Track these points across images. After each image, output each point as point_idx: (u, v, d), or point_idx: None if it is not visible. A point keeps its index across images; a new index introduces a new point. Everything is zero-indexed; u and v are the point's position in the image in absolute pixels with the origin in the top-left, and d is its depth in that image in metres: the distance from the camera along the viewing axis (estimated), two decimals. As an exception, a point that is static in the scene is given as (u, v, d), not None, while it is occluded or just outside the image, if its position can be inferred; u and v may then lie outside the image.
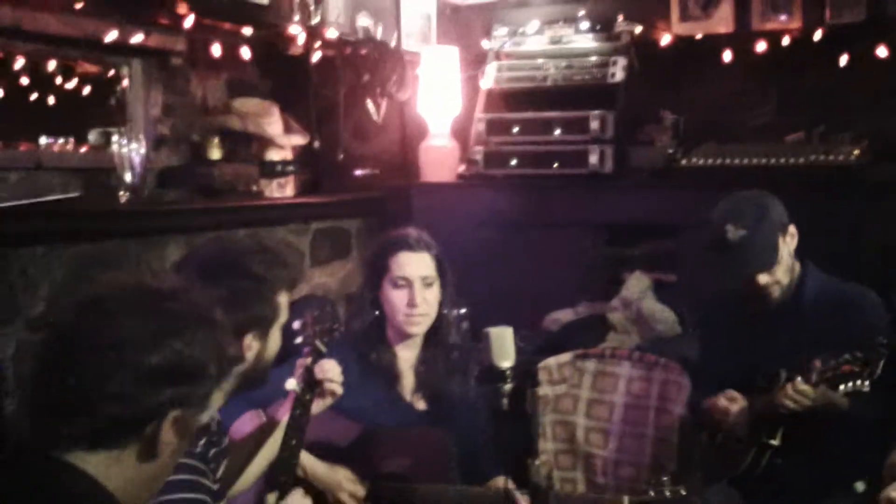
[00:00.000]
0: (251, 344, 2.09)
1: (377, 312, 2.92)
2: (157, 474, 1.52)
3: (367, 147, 4.40)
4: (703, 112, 4.27)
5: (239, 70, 3.87)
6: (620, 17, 4.30)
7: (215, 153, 3.91)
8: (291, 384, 2.38)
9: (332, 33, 3.83)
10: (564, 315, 4.02)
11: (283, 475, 2.26)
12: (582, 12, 4.37)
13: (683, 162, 3.97)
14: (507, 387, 2.41)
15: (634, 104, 4.20)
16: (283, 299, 2.18)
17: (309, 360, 2.42)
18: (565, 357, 3.65)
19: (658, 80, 4.27)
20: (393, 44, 4.25)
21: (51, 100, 3.39)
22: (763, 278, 2.80)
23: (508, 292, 4.03)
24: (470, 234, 4.17)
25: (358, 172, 4.39)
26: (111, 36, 3.22)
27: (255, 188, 3.79)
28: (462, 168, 4.29)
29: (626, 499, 2.49)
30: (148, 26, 3.33)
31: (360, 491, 2.61)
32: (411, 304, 2.87)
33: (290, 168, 4.07)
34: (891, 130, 3.97)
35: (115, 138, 3.23)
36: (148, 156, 3.49)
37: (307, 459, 2.59)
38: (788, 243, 2.86)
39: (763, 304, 2.92)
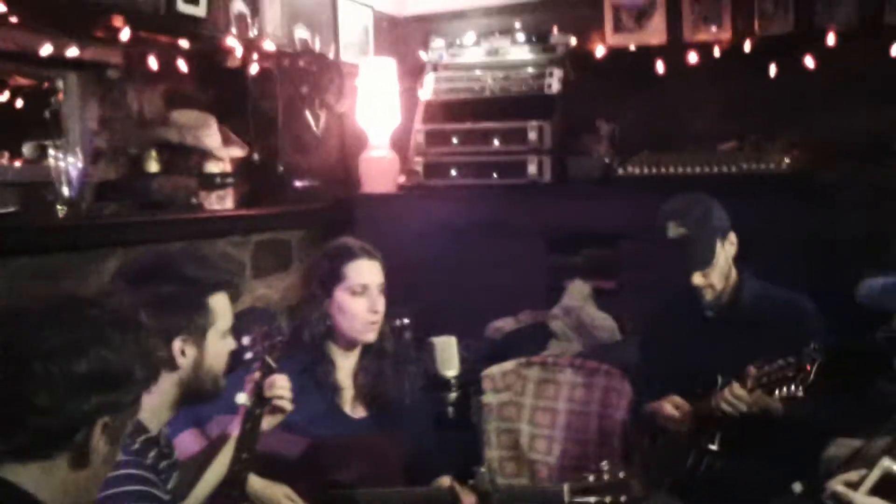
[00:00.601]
0: (184, 349, 2.07)
1: (328, 323, 2.91)
2: (90, 482, 1.52)
3: (308, 159, 4.40)
4: (638, 122, 4.35)
5: (177, 82, 3.84)
6: (555, 29, 4.35)
7: (153, 166, 3.88)
8: (242, 398, 2.36)
9: (269, 45, 3.82)
10: (506, 323, 4.06)
11: (234, 490, 2.25)
12: (518, 24, 4.41)
13: (620, 171, 4.03)
14: (453, 395, 2.43)
15: (571, 115, 4.26)
16: (219, 304, 2.15)
17: (258, 374, 2.41)
18: (508, 365, 3.68)
19: (594, 90, 4.33)
20: (331, 55, 4.24)
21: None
22: (697, 279, 2.86)
23: (451, 301, 4.05)
24: (412, 244, 4.19)
25: (298, 184, 4.38)
26: (46, 50, 3.18)
27: (194, 200, 3.76)
28: (403, 179, 4.30)
29: (565, 486, 2.53)
30: (83, 40, 3.29)
31: (298, 501, 2.60)
32: (373, 310, 2.88)
33: (229, 180, 4.05)
34: (820, 137, 4.08)
35: (51, 152, 3.20)
36: (86, 169, 3.47)
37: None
38: (727, 249, 2.92)
39: (699, 310, 2.98)
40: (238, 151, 4.16)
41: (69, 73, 3.45)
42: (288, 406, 2.44)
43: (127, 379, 1.49)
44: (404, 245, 4.18)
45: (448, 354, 2.48)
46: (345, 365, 2.95)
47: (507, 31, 4.42)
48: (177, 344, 2.06)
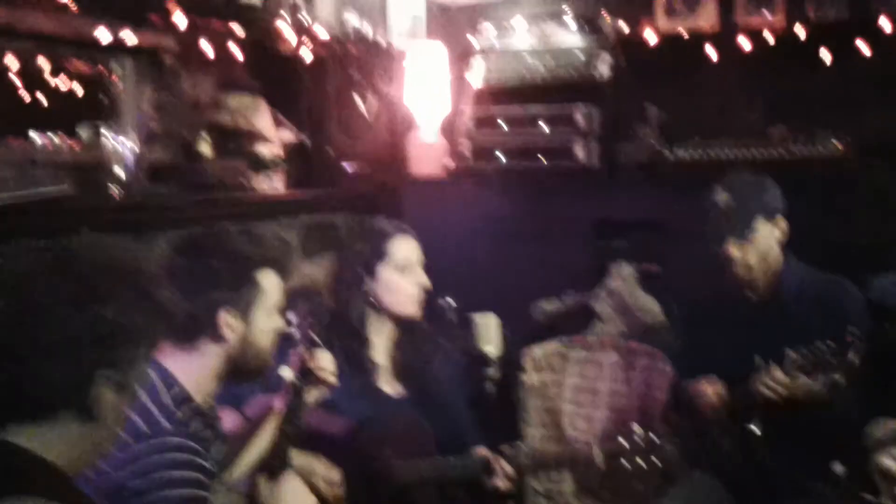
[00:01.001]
0: (230, 322, 2.12)
1: (370, 301, 2.96)
2: (100, 439, 1.52)
3: (358, 143, 4.45)
4: (689, 108, 4.32)
5: (231, 68, 3.91)
6: (604, 14, 4.34)
7: (205, 149, 3.98)
8: (287, 373, 2.43)
9: (321, 32, 3.87)
10: (551, 305, 4.08)
11: (276, 461, 2.31)
12: (567, 9, 4.41)
13: (668, 156, 4.03)
14: (493, 371, 2.46)
15: (620, 100, 4.25)
16: (268, 281, 2.21)
17: (303, 349, 2.46)
18: (551, 345, 3.72)
19: (644, 76, 4.31)
20: (381, 41, 4.29)
21: (44, 98, 3.44)
22: (733, 250, 2.85)
23: (497, 282, 4.10)
24: (459, 226, 4.25)
25: (348, 168, 4.44)
26: (104, 36, 3.27)
27: (244, 182, 3.84)
28: (450, 162, 4.34)
29: (596, 449, 2.57)
30: (140, 26, 3.37)
31: (335, 475, 2.66)
32: (420, 284, 2.94)
33: (280, 162, 4.13)
34: (873, 127, 4.02)
35: (106, 134, 3.28)
36: (140, 152, 3.56)
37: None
38: (772, 231, 2.90)
39: (742, 294, 2.97)
40: (289, 135, 4.23)
41: (125, 58, 3.54)
42: (333, 380, 2.50)
43: (128, 335, 1.49)
44: (452, 227, 4.25)
45: (488, 331, 2.52)
46: (382, 343, 3.00)
47: (557, 16, 4.42)
48: (223, 316, 2.11)
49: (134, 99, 3.59)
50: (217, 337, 2.12)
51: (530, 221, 4.13)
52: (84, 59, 3.50)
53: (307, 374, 2.44)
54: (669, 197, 3.86)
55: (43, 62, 3.40)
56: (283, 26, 3.73)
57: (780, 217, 2.90)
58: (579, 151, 4.02)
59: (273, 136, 4.11)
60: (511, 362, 3.60)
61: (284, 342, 2.48)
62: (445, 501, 2.72)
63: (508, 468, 2.70)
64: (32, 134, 3.38)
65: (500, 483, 2.70)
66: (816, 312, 2.83)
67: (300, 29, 3.81)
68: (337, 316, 3.03)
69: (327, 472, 2.68)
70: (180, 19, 3.34)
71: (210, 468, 1.99)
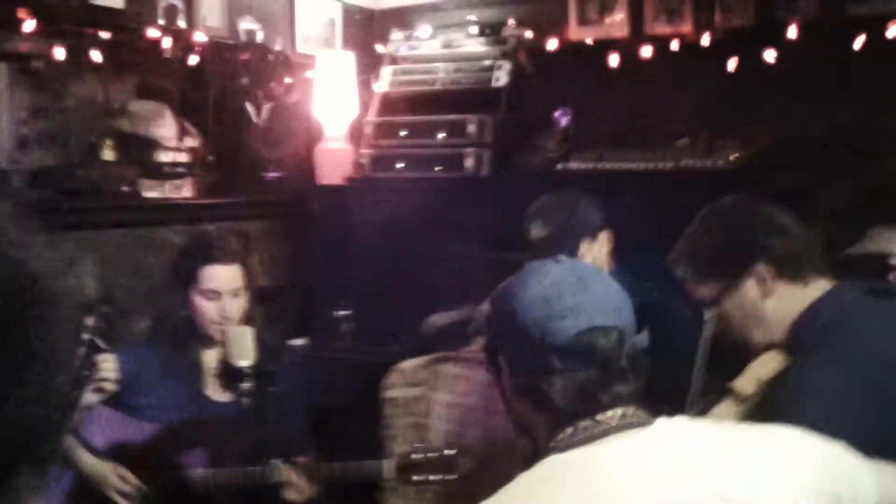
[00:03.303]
0: None
1: (187, 314, 2.93)
2: None
3: (266, 151, 4.43)
4: (596, 117, 4.23)
5: (116, 73, 3.91)
6: (510, 21, 4.27)
7: (108, 154, 3.99)
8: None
9: (200, 37, 3.85)
10: (441, 319, 4.00)
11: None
12: (474, 17, 4.35)
13: (559, 166, 3.94)
14: (247, 385, 2.42)
15: (525, 109, 4.17)
16: None
17: (82, 351, 2.43)
18: (422, 360, 3.63)
19: (550, 84, 4.24)
20: (283, 47, 4.27)
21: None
22: None
23: (394, 294, 4.04)
24: (358, 236, 4.20)
25: (259, 176, 4.42)
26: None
27: (126, 189, 3.82)
28: (351, 170, 4.30)
29: (385, 462, 2.53)
30: (9, 32, 3.38)
31: (130, 477, 2.63)
32: (222, 314, 2.88)
33: (180, 170, 4.12)
34: (781, 134, 3.90)
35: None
36: (10, 157, 3.58)
37: (79, 454, 2.63)
38: (594, 249, 2.82)
39: None
40: (192, 142, 4.22)
41: (-5, 63, 3.56)
42: (110, 387, 2.48)
43: None
44: (352, 237, 4.21)
45: (243, 343, 2.48)
46: (211, 353, 2.97)
47: (464, 26, 4.36)
48: None
49: (7, 104, 3.59)
50: None
51: (429, 232, 4.06)
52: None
53: (83, 377, 2.41)
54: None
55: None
56: (153, 32, 3.70)
57: (604, 231, 2.82)
58: (469, 160, 3.94)
59: (174, 142, 4.11)
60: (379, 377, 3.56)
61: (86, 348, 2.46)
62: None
63: (302, 481, 2.65)
64: None
65: (295, 496, 2.66)
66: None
67: (176, 34, 3.78)
68: (161, 324, 3.02)
69: (119, 474, 2.66)
70: (29, 25, 3.31)
71: None
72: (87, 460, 2.63)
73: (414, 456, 2.51)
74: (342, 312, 4.10)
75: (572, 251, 2.76)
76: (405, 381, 3.63)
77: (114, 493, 2.64)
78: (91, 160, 3.92)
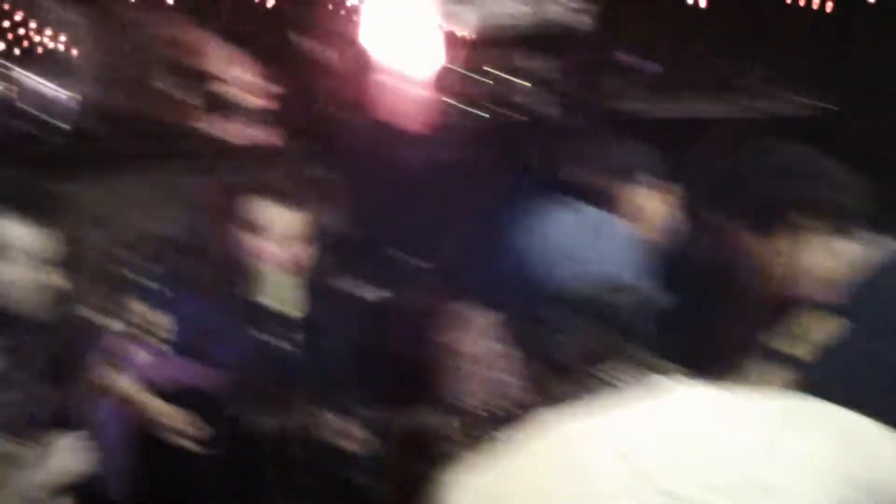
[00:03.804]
0: None
1: (237, 254, 2.92)
2: None
3: (339, 93, 4.40)
4: (676, 61, 4.08)
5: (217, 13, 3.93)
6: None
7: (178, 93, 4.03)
8: (114, 324, 2.44)
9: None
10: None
11: (73, 414, 2.32)
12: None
13: (633, 110, 3.82)
14: (290, 333, 2.40)
15: (598, 50, 4.04)
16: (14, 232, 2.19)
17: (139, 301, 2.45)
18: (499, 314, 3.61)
19: (630, 26, 4.09)
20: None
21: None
22: None
23: (472, 244, 4.00)
24: (432, 182, 4.15)
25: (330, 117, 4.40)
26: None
27: (202, 128, 3.86)
28: (427, 116, 4.24)
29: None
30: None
31: (185, 426, 2.68)
32: (272, 255, 2.84)
33: (250, 110, 4.14)
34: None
35: (41, 81, 3.36)
36: (88, 96, 3.65)
37: (140, 394, 2.68)
38: (644, 198, 2.70)
39: None
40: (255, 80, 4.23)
41: (74, 5, 3.62)
42: (163, 349, 2.48)
43: None
44: (422, 184, 4.16)
45: (281, 291, 2.48)
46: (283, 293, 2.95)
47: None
48: None
49: (86, 47, 3.65)
50: None
51: (500, 178, 3.99)
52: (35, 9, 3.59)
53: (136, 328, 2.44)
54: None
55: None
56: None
57: (654, 181, 2.69)
58: (546, 106, 3.85)
59: (244, 83, 4.12)
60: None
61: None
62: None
63: (354, 431, 2.65)
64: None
65: (347, 445, 2.66)
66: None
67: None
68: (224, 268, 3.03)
69: (180, 420, 2.70)
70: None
71: None
72: (148, 401, 2.67)
73: (476, 411, 2.46)
74: (419, 262, 4.07)
75: (605, 196, 2.62)
76: (477, 333, 3.60)
77: (172, 433, 2.68)
78: (161, 99, 3.95)
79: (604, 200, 2.70)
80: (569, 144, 3.80)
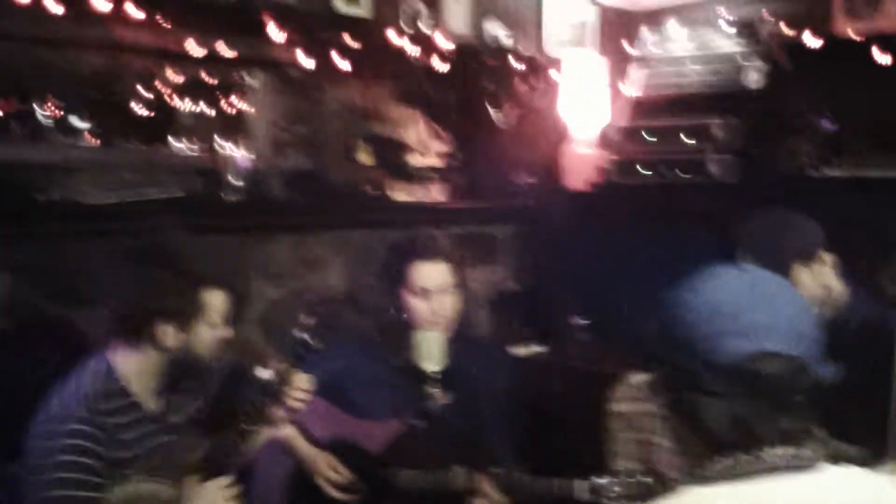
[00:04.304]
0: (168, 332, 2.27)
1: (403, 315, 2.96)
2: None
3: (515, 154, 4.45)
4: (860, 119, 3.89)
5: (370, 79, 4.07)
6: (767, 17, 4.02)
7: (362, 157, 4.18)
8: (263, 373, 2.52)
9: (444, 42, 3.92)
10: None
11: (223, 457, 2.42)
12: (727, 14, 4.13)
13: (814, 173, 3.66)
14: (434, 390, 2.42)
15: (778, 110, 3.91)
16: (213, 298, 2.33)
17: (286, 365, 2.52)
18: (648, 375, 3.50)
19: (809, 83, 3.94)
20: (526, 51, 4.27)
21: (183, 108, 3.80)
22: None
23: (633, 303, 3.93)
24: (604, 241, 4.13)
25: (506, 179, 4.45)
26: (231, 52, 3.53)
27: (371, 190, 3.97)
28: (596, 174, 4.22)
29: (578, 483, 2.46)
30: (263, 41, 3.59)
31: (340, 468, 2.72)
32: (434, 312, 2.88)
33: (428, 173, 4.23)
34: None
35: (220, 142, 3.56)
36: (268, 160, 3.82)
37: (299, 441, 2.75)
38: (814, 270, 2.59)
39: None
40: (442, 146, 4.32)
41: (256, 72, 3.81)
42: (299, 406, 2.53)
43: None
44: (595, 244, 4.14)
45: (431, 348, 2.47)
46: (430, 350, 2.98)
47: (715, 21, 4.15)
48: (163, 327, 2.27)
49: (263, 109, 3.83)
50: (156, 342, 2.27)
51: (667, 239, 3.91)
52: (219, 75, 3.80)
53: (282, 380, 2.50)
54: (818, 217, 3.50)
55: (186, 77, 3.76)
56: (395, 37, 3.80)
57: (818, 252, 2.58)
58: (712, 165, 3.75)
59: (422, 146, 4.23)
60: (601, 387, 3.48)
61: (298, 346, 2.59)
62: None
63: (491, 492, 2.63)
64: (172, 141, 3.74)
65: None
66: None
67: (421, 40, 3.87)
68: (385, 324, 3.08)
69: (330, 469, 2.76)
70: (279, 36, 3.50)
71: (107, 457, 2.15)
72: (304, 448, 2.75)
73: (609, 481, 2.41)
74: (579, 320, 4.04)
75: (774, 260, 2.53)
76: (633, 394, 3.52)
77: (324, 482, 2.74)
78: (344, 163, 4.12)
79: (772, 264, 2.62)
80: (740, 205, 3.72)
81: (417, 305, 2.88)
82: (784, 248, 2.56)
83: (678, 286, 1.57)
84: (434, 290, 2.87)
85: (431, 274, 2.89)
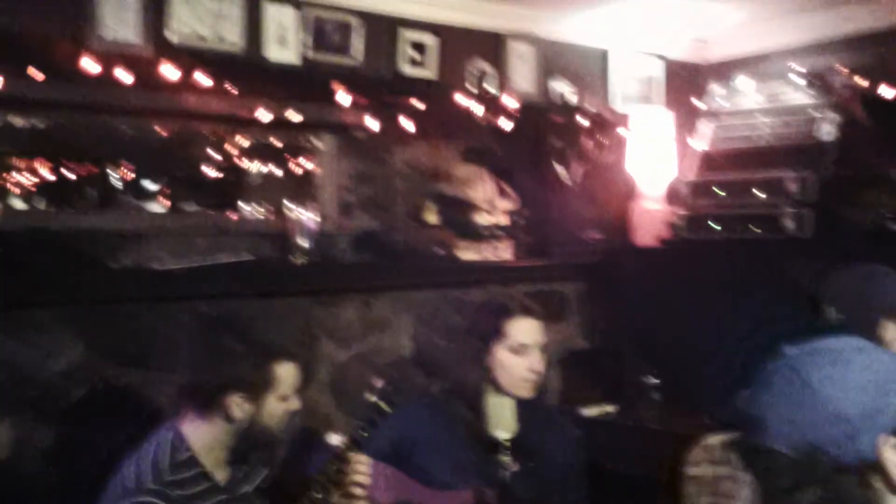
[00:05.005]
0: (240, 404, 2.26)
1: (487, 376, 2.93)
2: None
3: (583, 211, 4.40)
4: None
5: (466, 138, 4.08)
6: (840, 70, 3.94)
7: (429, 217, 4.17)
8: (335, 439, 2.49)
9: (510, 101, 3.91)
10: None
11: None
12: (799, 67, 4.06)
13: (894, 226, 3.56)
14: (506, 458, 2.36)
15: (853, 163, 3.82)
16: (283, 371, 2.32)
17: (345, 446, 2.47)
18: (732, 435, 3.40)
19: (885, 135, 3.85)
20: (593, 107, 4.24)
21: (251, 172, 3.83)
22: None
23: (707, 361, 3.83)
24: (674, 298, 4.05)
25: (575, 236, 4.40)
26: (299, 117, 3.56)
27: (439, 251, 3.94)
28: (665, 230, 4.16)
29: None
30: (332, 106, 3.62)
31: None
32: (531, 369, 2.86)
33: (495, 231, 4.20)
34: None
35: (288, 205, 3.57)
36: (335, 221, 3.83)
37: None
38: None
39: None
40: (508, 204, 4.29)
41: (323, 134, 3.83)
42: (360, 492, 2.49)
43: None
44: (665, 301, 4.06)
45: (502, 414, 2.42)
46: (501, 417, 2.94)
47: (786, 74, 4.08)
48: (233, 399, 2.26)
49: (330, 172, 3.85)
50: (227, 413, 2.26)
51: (741, 298, 3.82)
52: (287, 138, 3.83)
53: (356, 443, 2.46)
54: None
55: (255, 142, 3.80)
56: (461, 98, 3.81)
57: None
58: (788, 220, 3.66)
59: (488, 204, 4.20)
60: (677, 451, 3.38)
61: (368, 410, 2.55)
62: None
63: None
64: (241, 205, 3.77)
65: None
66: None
67: (487, 100, 3.87)
68: (456, 387, 3.03)
69: None
70: (345, 100, 3.53)
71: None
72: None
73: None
74: (650, 379, 3.95)
75: (870, 335, 2.45)
76: (711, 457, 3.41)
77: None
78: (411, 223, 4.11)
79: (861, 321, 2.53)
80: (817, 260, 3.62)
81: (511, 362, 2.85)
82: (871, 305, 2.47)
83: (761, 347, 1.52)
84: (531, 346, 2.86)
85: (530, 329, 2.88)
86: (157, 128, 3.54)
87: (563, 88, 4.18)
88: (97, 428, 2.94)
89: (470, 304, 4.03)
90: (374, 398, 2.52)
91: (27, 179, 3.33)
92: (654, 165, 4.28)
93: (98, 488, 2.27)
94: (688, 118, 4.36)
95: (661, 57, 4.64)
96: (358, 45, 3.67)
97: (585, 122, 4.14)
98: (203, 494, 2.26)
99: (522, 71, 4.07)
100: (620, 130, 4.32)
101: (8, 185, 3.28)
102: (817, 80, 3.96)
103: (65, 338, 3.00)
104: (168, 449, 2.24)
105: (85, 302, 3.02)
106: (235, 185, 3.80)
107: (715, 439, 3.44)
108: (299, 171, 3.88)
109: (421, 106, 3.71)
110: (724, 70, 4.58)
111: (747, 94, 4.18)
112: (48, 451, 2.95)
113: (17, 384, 2.92)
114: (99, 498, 2.24)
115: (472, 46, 4.02)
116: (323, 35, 3.63)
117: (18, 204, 3.28)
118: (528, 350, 2.86)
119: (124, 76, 3.07)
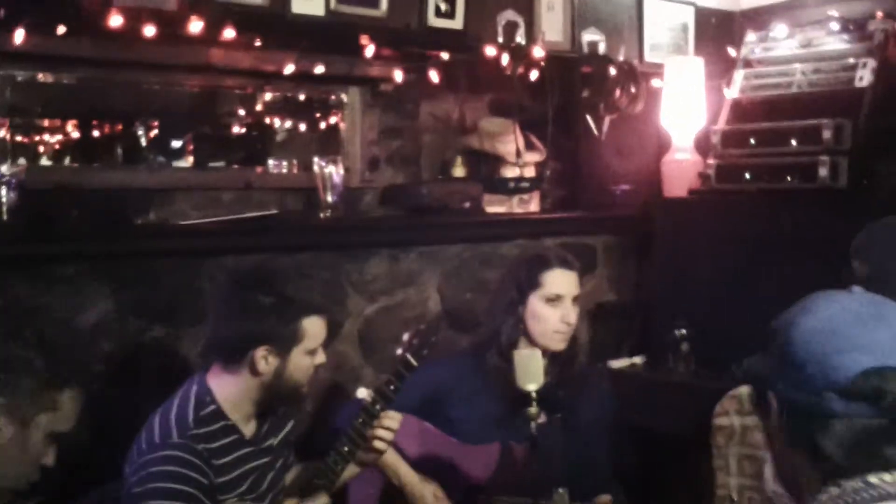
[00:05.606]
0: (267, 357, 2.26)
1: (521, 328, 2.93)
2: None
3: (613, 163, 4.35)
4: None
5: (462, 91, 4.04)
6: (878, 14, 3.84)
7: (458, 171, 4.14)
8: (363, 393, 2.50)
9: (538, 52, 3.85)
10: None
11: (322, 479, 2.39)
12: (835, 13, 3.96)
13: (931, 176, 3.47)
14: (534, 410, 2.35)
15: (891, 110, 3.73)
16: (312, 326, 2.31)
17: (372, 399, 2.47)
18: (759, 388, 3.37)
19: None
20: (624, 58, 4.16)
21: (277, 127, 3.81)
22: None
23: (732, 316, 3.79)
24: (701, 252, 4.00)
25: (606, 190, 4.36)
26: (325, 70, 3.52)
27: (467, 205, 3.90)
28: (695, 183, 4.09)
29: None
30: (358, 59, 3.57)
31: (444, 500, 2.67)
32: (565, 320, 2.89)
33: (524, 185, 4.16)
34: None
35: (315, 160, 3.54)
36: (362, 176, 3.80)
37: (401, 467, 2.70)
38: None
39: None
40: (535, 157, 4.24)
41: (350, 88, 3.80)
42: (382, 447, 2.49)
43: None
44: (694, 253, 4.02)
45: (530, 367, 2.41)
46: (531, 370, 2.92)
47: (824, 21, 3.98)
48: (259, 352, 2.26)
49: (357, 126, 3.82)
50: (254, 367, 2.26)
51: (773, 251, 3.76)
52: (313, 92, 3.80)
53: (386, 396, 2.46)
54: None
55: (280, 96, 3.77)
56: (491, 49, 3.74)
57: None
58: (823, 170, 3.59)
59: (516, 158, 4.16)
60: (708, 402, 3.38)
61: (397, 363, 2.55)
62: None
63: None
64: (268, 160, 3.75)
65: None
66: None
67: (514, 50, 3.81)
68: (486, 340, 3.03)
69: (438, 500, 2.71)
70: (370, 51, 3.48)
71: (208, 484, 2.13)
72: (406, 474, 2.70)
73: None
74: (680, 332, 3.91)
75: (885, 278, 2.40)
76: (739, 407, 3.40)
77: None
78: (440, 177, 4.08)
79: (889, 276, 2.47)
80: (852, 212, 3.55)
81: (545, 313, 2.87)
82: None
83: (790, 307, 1.50)
84: (566, 297, 2.87)
85: (566, 281, 2.91)
86: (183, 83, 3.52)
87: (594, 38, 4.11)
88: (126, 383, 2.96)
89: (498, 258, 4.02)
90: (401, 352, 2.53)
91: (53, 137, 3.33)
92: (686, 115, 4.20)
93: (126, 444, 2.29)
94: (721, 67, 4.27)
95: (694, 4, 4.55)
96: (384, -5, 3.62)
97: (617, 73, 4.06)
98: (229, 447, 2.27)
99: (552, 21, 4.00)
100: (653, 81, 4.24)
101: (35, 142, 3.28)
102: (854, 27, 3.86)
103: (93, 293, 3.01)
104: (194, 402, 2.25)
105: (111, 257, 3.02)
106: (261, 140, 3.79)
107: (743, 390, 3.43)
108: (325, 126, 3.85)
109: (448, 58, 3.65)
110: (758, 17, 4.48)
111: (781, 41, 4.08)
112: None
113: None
114: (128, 453, 2.26)
115: (502, -4, 3.96)
116: (349, -14, 3.58)
117: (45, 161, 3.28)
118: (563, 301, 2.89)
119: (150, 31, 3.05)
